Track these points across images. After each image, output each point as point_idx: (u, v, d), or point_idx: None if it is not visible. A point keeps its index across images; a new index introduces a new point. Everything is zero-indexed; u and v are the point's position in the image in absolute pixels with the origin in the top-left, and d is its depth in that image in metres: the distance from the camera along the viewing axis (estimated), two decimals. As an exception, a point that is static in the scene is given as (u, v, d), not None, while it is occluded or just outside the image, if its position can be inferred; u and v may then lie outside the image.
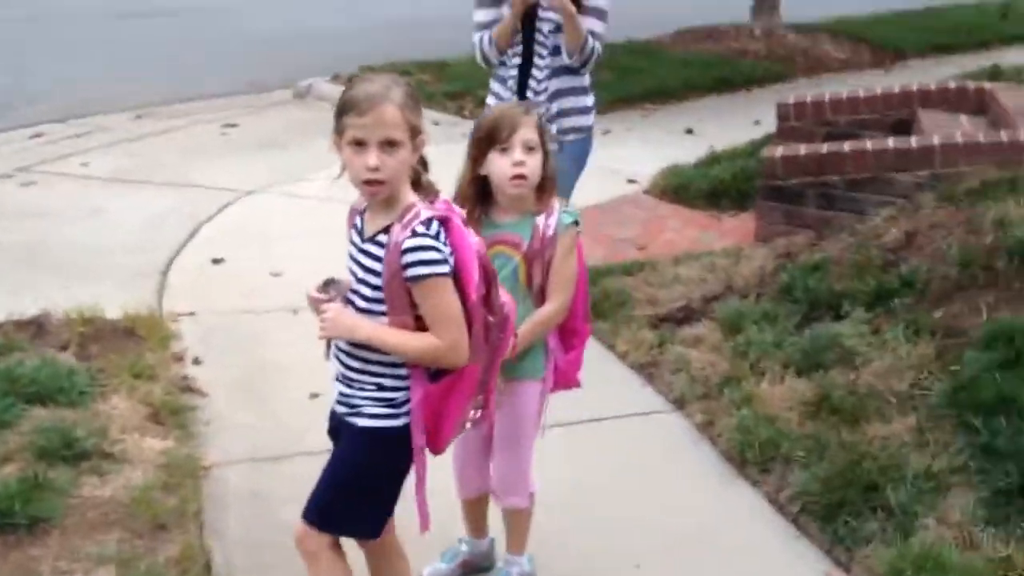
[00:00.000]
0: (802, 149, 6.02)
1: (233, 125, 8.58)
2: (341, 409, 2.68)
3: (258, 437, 4.04)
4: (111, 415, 3.98)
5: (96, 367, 4.34)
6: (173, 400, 4.18)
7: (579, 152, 4.62)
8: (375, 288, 2.55)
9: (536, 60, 4.49)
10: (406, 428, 2.60)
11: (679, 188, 6.86)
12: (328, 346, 2.68)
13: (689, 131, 8.57)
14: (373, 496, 2.67)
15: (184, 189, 6.92)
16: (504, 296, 2.76)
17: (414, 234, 2.48)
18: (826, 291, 4.69)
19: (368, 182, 2.51)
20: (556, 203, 3.05)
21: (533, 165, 2.96)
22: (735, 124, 8.34)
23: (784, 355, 4.36)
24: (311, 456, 3.29)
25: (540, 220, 3.00)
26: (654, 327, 4.80)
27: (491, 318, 2.67)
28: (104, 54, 10.74)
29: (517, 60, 4.52)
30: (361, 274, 2.59)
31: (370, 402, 2.61)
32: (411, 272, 2.48)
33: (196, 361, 4.61)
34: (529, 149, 2.95)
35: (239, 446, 3.96)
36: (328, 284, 2.61)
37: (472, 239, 2.63)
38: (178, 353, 4.65)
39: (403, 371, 2.59)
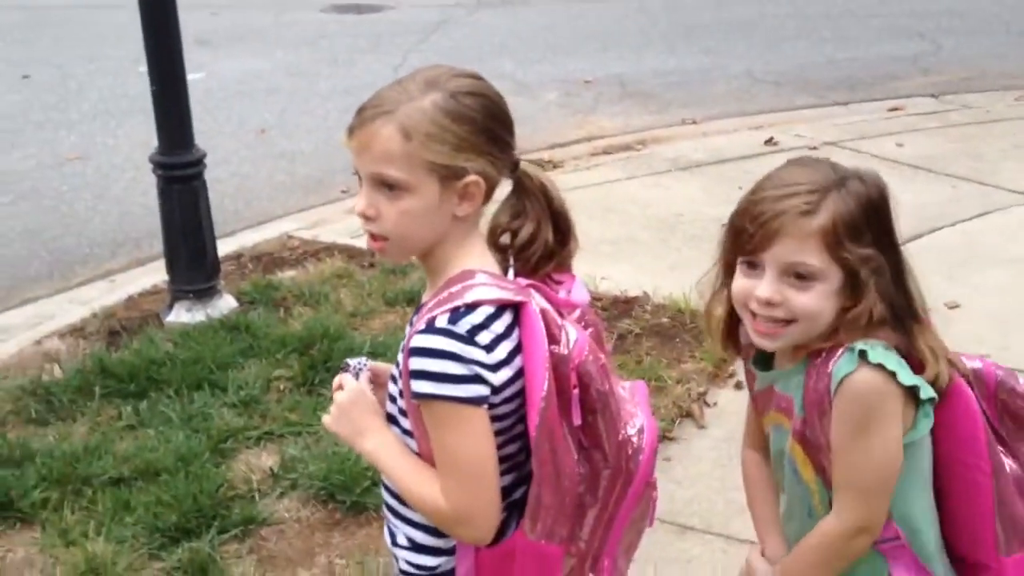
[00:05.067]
0: None
1: None
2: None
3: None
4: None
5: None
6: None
7: None
8: (401, 393, 1.73)
9: None
10: None
11: None
12: None
13: None
14: None
15: (967, 185, 5.78)
16: (637, 422, 1.75)
17: (428, 328, 1.61)
18: None
19: (369, 234, 1.71)
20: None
21: (800, 306, 1.70)
22: None
23: None
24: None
25: (814, 368, 1.73)
26: None
27: (601, 460, 1.72)
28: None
29: None
30: (393, 368, 1.78)
31: (407, 567, 1.78)
32: (413, 386, 1.63)
33: (739, 386, 3.85)
34: (798, 276, 1.70)
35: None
36: (345, 367, 1.83)
37: (572, 335, 1.66)
38: (728, 369, 3.95)
39: None
